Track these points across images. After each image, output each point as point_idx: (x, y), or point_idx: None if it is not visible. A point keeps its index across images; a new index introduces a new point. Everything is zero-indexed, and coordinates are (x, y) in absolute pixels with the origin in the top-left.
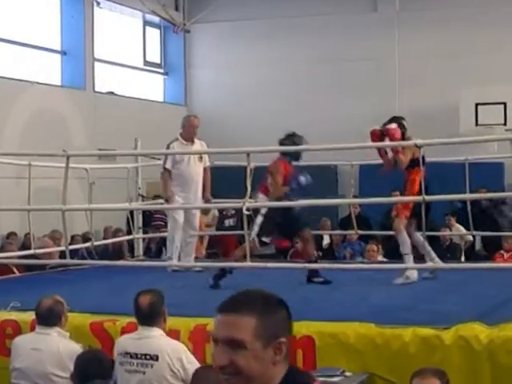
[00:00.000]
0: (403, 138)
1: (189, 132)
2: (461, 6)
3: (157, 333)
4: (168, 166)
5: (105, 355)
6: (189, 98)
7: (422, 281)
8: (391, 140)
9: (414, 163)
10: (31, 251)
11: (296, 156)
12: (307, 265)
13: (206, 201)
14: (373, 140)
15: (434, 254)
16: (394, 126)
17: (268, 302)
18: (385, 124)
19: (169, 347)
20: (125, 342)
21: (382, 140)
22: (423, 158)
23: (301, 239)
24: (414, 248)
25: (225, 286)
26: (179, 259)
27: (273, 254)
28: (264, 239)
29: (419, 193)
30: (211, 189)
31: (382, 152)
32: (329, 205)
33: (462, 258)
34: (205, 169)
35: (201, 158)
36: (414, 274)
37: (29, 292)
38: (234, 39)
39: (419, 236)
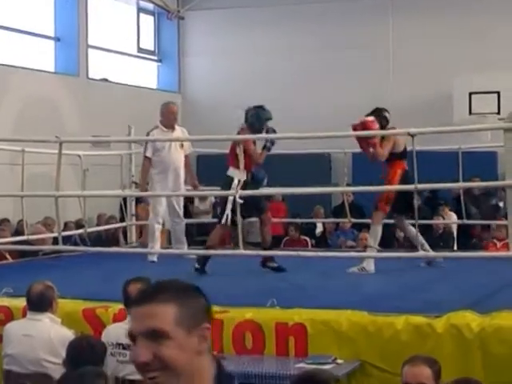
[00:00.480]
0: (384, 129)
1: (168, 119)
2: None
3: None
4: (148, 154)
5: (97, 341)
6: (183, 85)
7: (415, 269)
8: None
9: (395, 156)
10: (24, 237)
11: (259, 128)
12: (301, 253)
13: (194, 187)
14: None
15: (427, 246)
16: (371, 118)
17: (184, 289)
18: (367, 115)
19: None
20: (116, 332)
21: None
22: (405, 149)
23: (261, 222)
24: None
25: (214, 272)
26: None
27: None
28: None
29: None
30: (204, 177)
31: (363, 145)
32: (322, 193)
33: (455, 247)
34: (186, 156)
35: (182, 145)
36: (371, 266)
37: (21, 278)
38: (228, 26)
39: (412, 229)
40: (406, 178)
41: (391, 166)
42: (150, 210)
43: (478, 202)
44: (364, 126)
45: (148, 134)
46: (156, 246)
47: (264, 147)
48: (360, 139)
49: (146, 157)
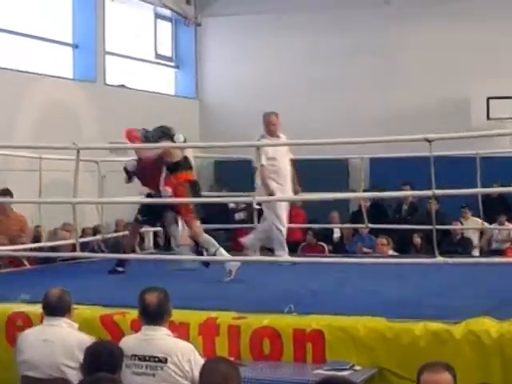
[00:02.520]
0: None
1: (268, 129)
2: (472, 0)
3: (163, 332)
4: (264, 162)
5: (115, 346)
6: (200, 91)
7: (433, 274)
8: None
9: (174, 166)
10: (42, 244)
11: None
12: (318, 259)
13: (295, 192)
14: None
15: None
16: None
17: None
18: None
19: (177, 349)
20: (130, 344)
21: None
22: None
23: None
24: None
25: (236, 279)
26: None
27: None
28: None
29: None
30: (221, 181)
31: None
32: (338, 199)
33: (477, 252)
34: (291, 161)
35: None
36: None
37: (39, 284)
38: (245, 33)
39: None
40: (194, 189)
41: (175, 177)
42: (270, 216)
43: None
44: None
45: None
46: (285, 252)
47: None
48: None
49: (261, 165)
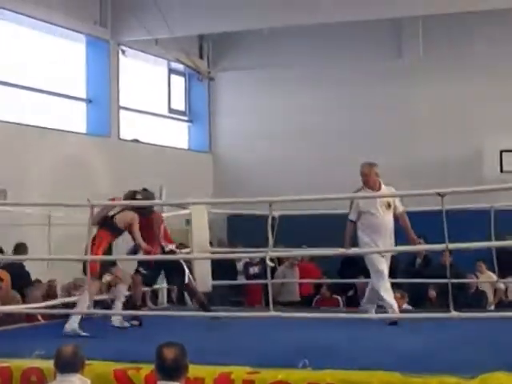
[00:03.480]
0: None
1: (363, 181)
2: (484, 53)
3: None
4: (352, 217)
5: None
6: (213, 145)
7: (448, 329)
8: None
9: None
10: (56, 301)
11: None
12: (334, 314)
13: (413, 242)
14: None
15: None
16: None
17: None
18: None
19: None
20: None
21: None
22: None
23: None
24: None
25: (244, 332)
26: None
27: (297, 302)
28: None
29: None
30: (234, 237)
31: None
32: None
33: (492, 307)
34: (401, 214)
35: (389, 205)
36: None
37: (53, 339)
38: (258, 86)
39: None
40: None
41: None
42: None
43: None
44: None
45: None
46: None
47: None
48: None
49: (350, 220)
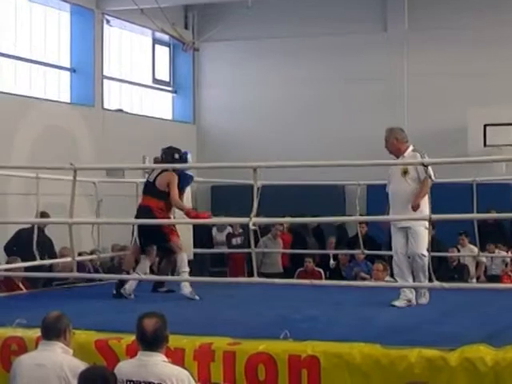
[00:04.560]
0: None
1: (386, 147)
2: (469, 26)
3: (159, 358)
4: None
5: (108, 372)
6: (197, 116)
7: (430, 301)
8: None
9: None
10: (38, 262)
11: None
12: (314, 281)
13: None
14: None
15: None
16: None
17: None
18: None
19: (173, 375)
20: (126, 370)
21: None
22: None
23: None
24: None
25: (226, 302)
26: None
27: (280, 273)
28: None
29: None
30: (218, 208)
31: None
32: (334, 222)
33: (474, 280)
34: (422, 181)
35: (405, 172)
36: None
37: (35, 308)
38: (243, 58)
39: None
40: None
41: None
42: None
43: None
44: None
45: None
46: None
47: None
48: None
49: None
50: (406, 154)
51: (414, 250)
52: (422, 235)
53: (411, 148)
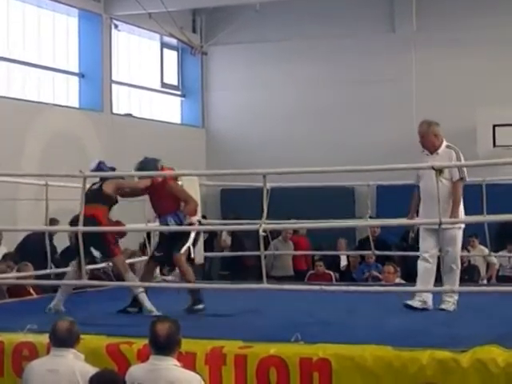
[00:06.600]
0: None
1: (420, 141)
2: (478, 27)
3: (170, 363)
4: (415, 181)
5: (118, 376)
6: (206, 119)
7: (440, 303)
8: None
9: None
10: (48, 271)
11: None
12: (324, 287)
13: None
14: None
15: None
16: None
17: None
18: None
19: (184, 379)
20: (138, 374)
21: None
22: None
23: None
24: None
25: (237, 306)
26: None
27: (291, 277)
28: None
29: None
30: (227, 211)
31: None
32: (344, 227)
33: (485, 281)
34: (455, 182)
35: (440, 171)
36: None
37: (45, 314)
38: (251, 61)
39: None
40: None
41: None
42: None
43: None
44: None
45: None
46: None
47: None
48: None
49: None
50: (440, 151)
51: (450, 254)
52: (459, 238)
53: (445, 144)
